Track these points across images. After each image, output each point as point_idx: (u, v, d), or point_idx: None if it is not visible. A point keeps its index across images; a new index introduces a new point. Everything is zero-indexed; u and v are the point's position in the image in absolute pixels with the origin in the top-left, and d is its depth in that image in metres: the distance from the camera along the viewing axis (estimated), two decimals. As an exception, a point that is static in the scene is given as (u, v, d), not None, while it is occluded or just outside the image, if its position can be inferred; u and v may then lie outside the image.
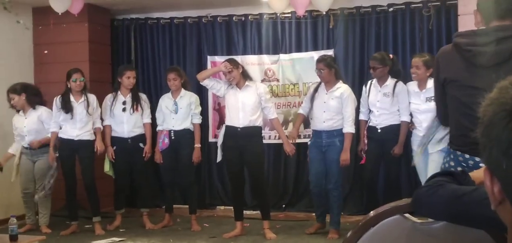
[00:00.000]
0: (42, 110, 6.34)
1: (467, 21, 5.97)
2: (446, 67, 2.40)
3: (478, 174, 1.52)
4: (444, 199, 1.40)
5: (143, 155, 6.43)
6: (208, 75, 6.10)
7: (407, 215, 1.54)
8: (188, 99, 6.39)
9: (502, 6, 2.29)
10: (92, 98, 6.30)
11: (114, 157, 6.40)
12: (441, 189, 1.43)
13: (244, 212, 6.22)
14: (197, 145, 6.37)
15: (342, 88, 5.78)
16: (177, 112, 6.34)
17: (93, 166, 6.33)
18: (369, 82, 6.07)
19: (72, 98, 6.18)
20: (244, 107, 5.79)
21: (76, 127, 6.18)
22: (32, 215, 6.38)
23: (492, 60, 2.25)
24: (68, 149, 6.20)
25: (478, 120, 0.96)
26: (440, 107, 2.59)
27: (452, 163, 2.44)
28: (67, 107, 6.14)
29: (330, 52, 7.04)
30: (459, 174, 1.52)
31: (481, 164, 2.29)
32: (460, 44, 2.37)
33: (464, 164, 2.38)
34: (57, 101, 6.22)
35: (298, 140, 7.02)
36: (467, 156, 2.37)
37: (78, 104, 6.19)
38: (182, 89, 6.40)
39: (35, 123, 6.26)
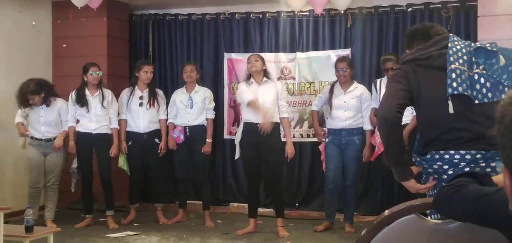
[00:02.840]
0: (61, 102, 6.29)
1: (486, 23, 5.92)
2: (414, 74, 2.55)
3: (501, 178, 1.51)
4: (467, 199, 1.40)
5: (158, 151, 6.45)
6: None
7: (422, 214, 1.53)
8: (202, 93, 6.41)
9: (431, 32, 2.65)
10: (108, 92, 6.33)
11: (127, 152, 6.44)
12: (464, 189, 1.42)
13: (258, 209, 6.21)
14: (209, 140, 6.38)
15: (360, 88, 6.03)
16: (192, 107, 6.36)
17: (110, 160, 6.37)
18: (379, 80, 6.06)
19: (87, 92, 6.22)
20: (263, 103, 5.79)
21: (93, 121, 6.22)
22: (36, 210, 6.20)
23: (444, 62, 2.49)
24: (85, 143, 6.24)
25: (501, 119, 0.93)
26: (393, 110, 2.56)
27: (439, 163, 2.51)
28: (82, 101, 6.18)
29: (347, 51, 7.03)
30: (482, 175, 1.52)
31: (467, 156, 2.40)
32: (417, 57, 2.57)
33: (456, 160, 2.46)
34: (72, 95, 6.25)
35: (313, 139, 7.04)
36: (452, 151, 2.46)
37: (93, 98, 6.23)
38: (196, 84, 6.42)
39: (54, 115, 6.18)
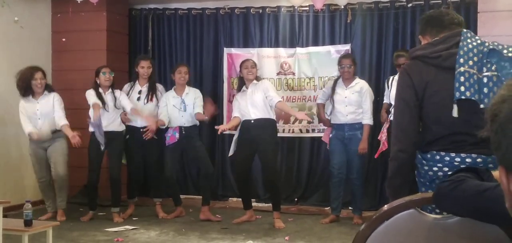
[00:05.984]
0: (55, 95, 6.26)
1: (486, 19, 5.91)
2: (420, 75, 2.51)
3: None
4: (466, 194, 1.39)
5: (157, 146, 6.41)
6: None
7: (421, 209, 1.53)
8: (193, 94, 6.39)
9: (445, 20, 2.61)
10: (118, 92, 6.35)
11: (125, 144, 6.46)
12: (463, 184, 1.42)
13: (257, 204, 6.27)
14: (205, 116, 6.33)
15: (361, 83, 6.13)
16: (186, 109, 6.34)
17: (121, 159, 6.41)
18: (391, 77, 6.09)
19: (100, 90, 6.23)
20: (253, 103, 5.95)
21: (105, 117, 6.19)
22: (51, 203, 6.30)
23: (454, 63, 2.44)
24: (97, 141, 6.18)
25: (493, 117, 0.93)
26: (407, 114, 2.55)
27: (439, 165, 2.49)
28: (101, 99, 6.17)
29: (347, 47, 7.02)
30: (482, 170, 1.51)
31: (467, 160, 2.38)
32: (426, 55, 2.53)
33: (456, 163, 2.43)
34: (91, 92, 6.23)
35: (312, 135, 7.06)
36: (452, 154, 2.44)
37: (105, 95, 6.24)
38: (186, 85, 6.42)
39: (50, 107, 6.15)
